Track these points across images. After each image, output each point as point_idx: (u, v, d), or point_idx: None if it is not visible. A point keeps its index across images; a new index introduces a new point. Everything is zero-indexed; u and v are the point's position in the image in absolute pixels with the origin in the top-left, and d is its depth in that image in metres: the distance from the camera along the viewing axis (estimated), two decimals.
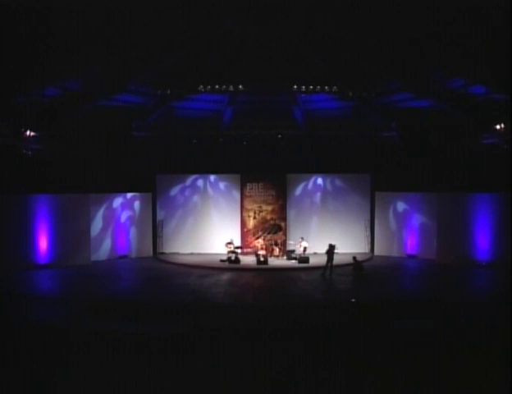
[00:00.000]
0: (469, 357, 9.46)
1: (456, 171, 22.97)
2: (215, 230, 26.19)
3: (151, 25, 17.81)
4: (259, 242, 24.55)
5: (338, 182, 26.83)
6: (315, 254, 24.20)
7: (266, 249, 24.17)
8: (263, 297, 17.82)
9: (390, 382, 8.79)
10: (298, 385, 8.75)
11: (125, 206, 25.49)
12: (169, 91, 22.95)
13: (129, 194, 25.52)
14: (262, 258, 23.01)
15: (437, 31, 17.20)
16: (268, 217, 26.12)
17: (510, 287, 16.52)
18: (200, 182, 26.83)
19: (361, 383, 8.78)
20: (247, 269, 22.46)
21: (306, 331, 11.93)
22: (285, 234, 25.92)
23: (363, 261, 21.79)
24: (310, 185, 26.96)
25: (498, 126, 21.46)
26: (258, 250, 23.88)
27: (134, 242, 25.77)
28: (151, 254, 26.04)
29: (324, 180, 26.87)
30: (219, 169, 26.35)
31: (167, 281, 19.94)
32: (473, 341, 10.29)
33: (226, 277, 20.83)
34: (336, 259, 21.18)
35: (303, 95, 23.67)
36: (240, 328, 12.01)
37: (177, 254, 26.04)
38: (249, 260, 23.92)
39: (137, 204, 25.86)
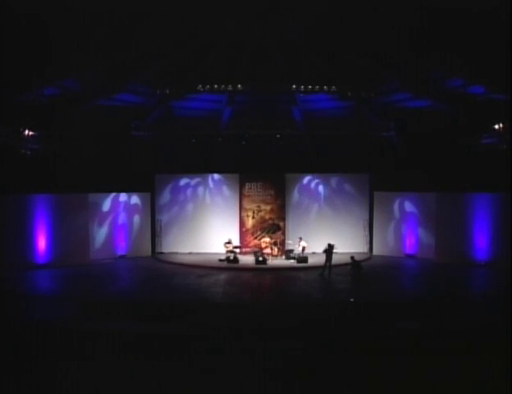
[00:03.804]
0: (469, 357, 9.47)
1: (455, 171, 22.97)
2: (214, 229, 26.19)
3: (150, 25, 17.80)
4: (266, 242, 24.54)
5: (337, 182, 26.84)
6: (314, 253, 24.19)
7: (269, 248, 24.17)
8: (262, 297, 17.85)
9: (389, 382, 8.80)
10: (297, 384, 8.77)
11: (124, 206, 25.48)
12: (168, 91, 22.94)
13: (128, 194, 25.51)
14: (260, 258, 23.01)
15: (436, 31, 17.22)
16: (267, 216, 26.13)
17: (510, 287, 16.51)
18: (199, 182, 26.84)
19: (360, 383, 8.80)
20: (245, 269, 22.48)
21: (305, 330, 11.95)
22: (283, 234, 25.93)
23: (361, 261, 21.74)
24: (309, 184, 26.99)
25: (497, 126, 21.47)
26: (262, 250, 23.87)
27: (133, 242, 25.76)
28: (150, 253, 26.06)
29: (323, 180, 26.89)
30: (218, 169, 26.38)
31: (166, 280, 19.96)
32: (472, 341, 10.30)
33: (224, 276, 20.84)
34: (335, 259, 21.22)
35: (301, 95, 23.64)
36: (238, 328, 12.03)
37: (176, 253, 26.06)
38: (247, 260, 23.93)
39: (136, 204, 25.86)
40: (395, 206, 25.79)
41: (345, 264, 21.30)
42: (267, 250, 23.94)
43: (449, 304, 15.21)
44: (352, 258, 19.65)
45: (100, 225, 24.60)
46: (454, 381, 8.76)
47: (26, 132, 21.42)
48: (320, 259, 21.69)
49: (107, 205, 24.87)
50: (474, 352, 9.60)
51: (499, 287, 18.29)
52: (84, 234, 23.43)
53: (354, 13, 17.47)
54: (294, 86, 22.61)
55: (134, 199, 25.82)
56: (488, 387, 8.43)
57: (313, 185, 26.99)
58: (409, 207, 25.40)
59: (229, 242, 24.28)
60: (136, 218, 25.86)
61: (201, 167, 25.99)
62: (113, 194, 25.06)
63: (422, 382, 8.81)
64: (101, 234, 24.66)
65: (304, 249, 23.79)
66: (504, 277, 19.46)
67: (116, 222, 25.16)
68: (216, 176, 26.83)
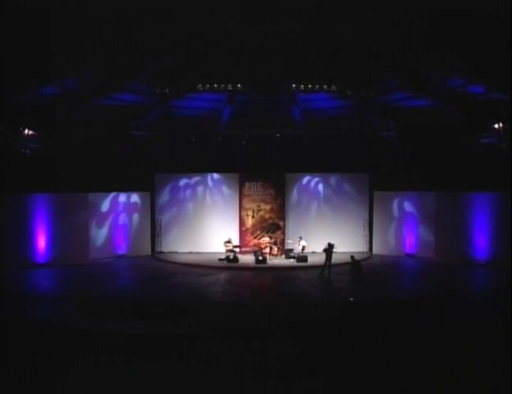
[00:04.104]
0: (469, 357, 9.47)
1: (454, 170, 22.98)
2: (213, 229, 26.19)
3: (150, 24, 17.79)
4: (265, 241, 24.55)
5: (336, 181, 26.85)
6: (313, 252, 24.18)
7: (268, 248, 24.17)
8: (262, 296, 17.85)
9: (388, 382, 8.81)
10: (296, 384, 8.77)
11: (124, 205, 25.48)
12: (168, 90, 22.94)
13: (127, 193, 25.51)
14: (260, 258, 23.02)
15: (436, 30, 17.22)
16: (267, 216, 26.14)
17: (510, 286, 16.50)
18: (199, 181, 26.85)
19: (360, 382, 8.80)
20: (245, 268, 22.49)
21: (305, 329, 11.95)
22: (283, 233, 25.94)
23: (361, 260, 21.80)
24: (309, 184, 27.00)
25: (496, 125, 21.47)
26: (262, 249, 23.86)
27: (133, 241, 25.76)
28: (149, 252, 26.06)
29: (323, 180, 26.90)
30: (218, 168, 26.37)
31: (166, 280, 19.97)
32: (472, 341, 10.30)
33: (224, 275, 20.85)
34: (335, 258, 21.22)
35: (301, 94, 23.64)
36: (238, 327, 12.03)
37: (176, 252, 26.06)
38: (247, 259, 23.93)
39: (136, 203, 25.87)
40: (395, 205, 25.79)
41: (345, 264, 21.34)
42: (267, 250, 23.94)
43: (449, 303, 15.21)
44: (352, 257, 19.72)
45: (100, 224, 24.58)
46: (453, 380, 8.76)
47: (26, 131, 21.41)
48: (320, 259, 21.70)
49: (106, 205, 24.85)
50: (474, 352, 9.61)
51: (499, 287, 18.28)
52: (84, 233, 23.42)
53: (354, 13, 17.45)
54: (294, 85, 22.62)
55: (134, 198, 25.83)
56: (488, 386, 8.43)
57: (312, 184, 26.99)
58: (408, 206, 25.41)
59: (229, 241, 24.29)
60: (136, 218, 25.87)
61: (201, 166, 25.97)
62: (113, 194, 25.05)
63: (421, 381, 8.82)
64: (101, 233, 24.65)
65: (303, 248, 23.81)
66: (504, 276, 19.45)
67: (115, 221, 25.16)
68: (215, 175, 26.83)
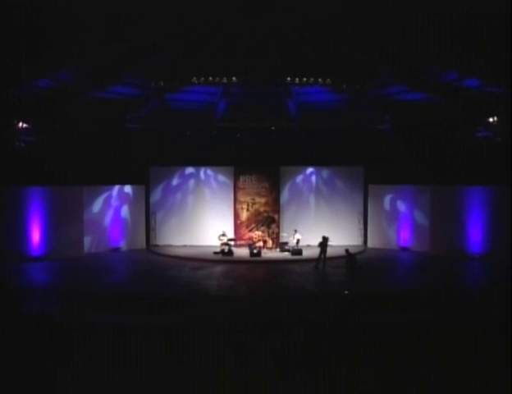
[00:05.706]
0: (466, 353, 9.49)
1: (450, 163, 23.01)
2: (208, 222, 26.19)
3: (145, 17, 17.70)
4: (257, 234, 24.57)
5: (331, 175, 26.87)
6: (308, 246, 24.22)
7: (261, 242, 24.18)
8: (257, 289, 17.88)
9: (384, 378, 8.84)
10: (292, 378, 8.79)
11: (119, 198, 25.44)
12: (162, 83, 22.85)
13: (122, 187, 25.47)
14: (255, 251, 23.04)
15: (432, 24, 17.19)
16: (261, 209, 26.15)
17: (510, 279, 16.54)
18: (193, 174, 26.84)
19: (355, 377, 8.82)
20: (240, 261, 22.52)
21: (299, 323, 11.97)
22: (278, 226, 25.95)
23: (356, 253, 21.82)
24: (303, 177, 27.02)
25: (491, 119, 21.49)
26: (254, 242, 23.88)
27: (128, 234, 25.74)
28: (144, 246, 26.04)
29: (317, 173, 26.92)
30: (212, 161, 26.32)
31: (161, 273, 19.96)
32: (468, 335, 10.32)
33: (219, 269, 20.88)
34: (329, 252, 21.25)
35: (296, 87, 23.57)
36: (233, 321, 12.05)
37: (170, 246, 26.04)
38: (242, 252, 23.95)
39: (130, 196, 25.83)
40: (390, 199, 25.82)
41: (340, 257, 21.35)
42: (260, 244, 23.93)
43: (443, 296, 15.26)
44: (346, 250, 19.72)
45: (95, 217, 24.50)
46: (451, 375, 8.78)
47: (20, 125, 21.30)
48: (314, 252, 21.72)
49: (101, 198, 24.78)
50: (470, 346, 9.62)
51: (495, 280, 18.34)
52: (79, 226, 23.37)
53: (349, 6, 17.40)
54: (288, 78, 22.55)
55: (129, 191, 25.78)
56: (487, 383, 8.44)
57: (307, 177, 27.01)
58: (403, 200, 25.43)
59: (223, 235, 24.28)
60: (131, 211, 25.82)
61: (196, 159, 25.95)
62: (107, 187, 24.99)
63: (420, 378, 8.83)
64: (95, 226, 24.57)
65: (298, 241, 23.81)
66: (499, 269, 19.50)
67: (110, 214, 25.11)
68: (210, 168, 26.80)
